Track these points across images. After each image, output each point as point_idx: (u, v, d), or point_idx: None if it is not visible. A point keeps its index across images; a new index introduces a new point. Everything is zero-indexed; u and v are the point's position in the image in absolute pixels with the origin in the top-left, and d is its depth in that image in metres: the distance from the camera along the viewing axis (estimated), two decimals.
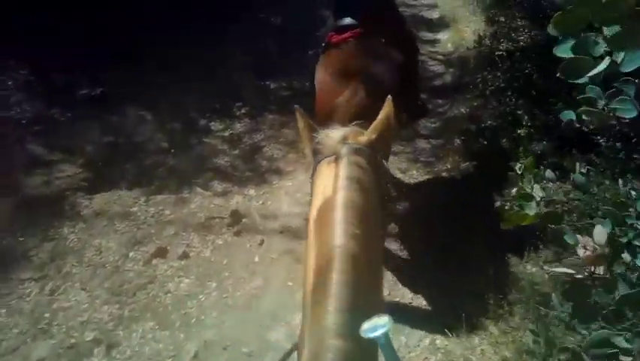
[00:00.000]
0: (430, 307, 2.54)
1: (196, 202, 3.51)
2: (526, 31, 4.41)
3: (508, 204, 2.40)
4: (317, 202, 1.21)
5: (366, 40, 2.39)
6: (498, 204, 3.16)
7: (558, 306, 2.16)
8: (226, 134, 4.49)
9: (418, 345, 2.34)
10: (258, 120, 4.62)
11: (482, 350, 2.22)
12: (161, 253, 3.02)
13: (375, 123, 1.40)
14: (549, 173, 1.02)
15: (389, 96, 1.51)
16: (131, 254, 3.01)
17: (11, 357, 2.35)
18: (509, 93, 3.81)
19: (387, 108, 1.45)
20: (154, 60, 4.93)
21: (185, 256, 3.00)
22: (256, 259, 2.97)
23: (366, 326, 0.84)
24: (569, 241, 1.01)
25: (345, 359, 0.86)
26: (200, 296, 2.73)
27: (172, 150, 4.19)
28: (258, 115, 4.69)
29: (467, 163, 3.69)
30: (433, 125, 4.54)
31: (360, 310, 0.93)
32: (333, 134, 1.35)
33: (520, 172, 1.00)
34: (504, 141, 3.52)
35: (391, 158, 4.02)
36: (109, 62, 4.72)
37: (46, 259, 2.99)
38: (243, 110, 4.76)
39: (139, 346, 2.43)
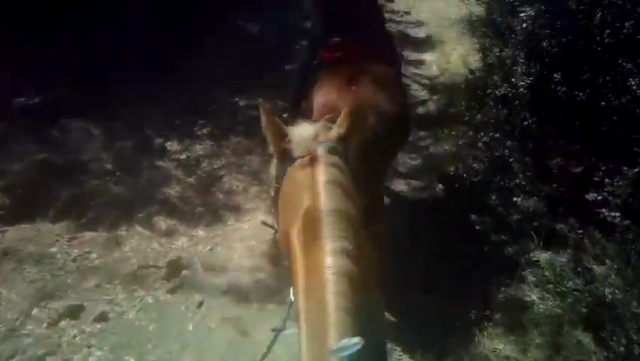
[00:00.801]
0: None
1: (131, 244, 2.90)
2: (520, 67, 3.94)
3: None
4: (294, 214, 1.06)
5: (362, 58, 2.30)
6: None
7: None
8: (182, 156, 3.89)
9: None
10: (220, 143, 4.03)
11: None
12: (74, 312, 2.40)
13: (341, 117, 1.25)
14: None
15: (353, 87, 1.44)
16: (34, 312, 2.39)
17: None
18: (500, 138, 3.32)
19: (350, 104, 1.30)
20: (113, 68, 4.32)
21: (103, 317, 2.40)
22: (190, 327, 2.38)
23: (335, 346, 0.83)
24: None
25: None
26: None
27: (117, 174, 3.57)
28: (222, 137, 4.10)
29: (447, 214, 3.14)
30: (413, 163, 4.02)
31: (363, 333, 0.86)
32: (305, 132, 1.21)
33: None
34: (493, 197, 3.00)
35: None
36: (58, 67, 4.10)
37: None
38: (204, 130, 4.16)
39: None
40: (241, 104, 4.63)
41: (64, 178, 3.38)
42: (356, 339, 0.82)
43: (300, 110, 2.75)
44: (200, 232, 3.07)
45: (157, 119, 4.24)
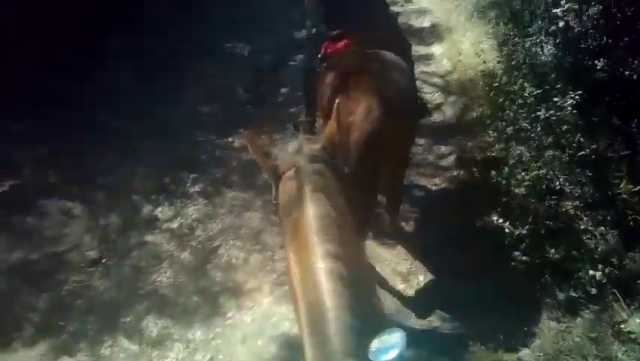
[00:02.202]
0: None
1: None
2: (548, 54, 3.16)
3: None
4: (288, 226, 1.10)
5: (364, 47, 2.22)
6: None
7: None
8: (174, 225, 3.29)
9: None
10: (214, 201, 3.43)
11: None
12: None
13: (325, 129, 1.29)
14: None
15: (336, 101, 1.33)
16: None
17: None
18: (537, 147, 2.58)
19: (334, 113, 1.28)
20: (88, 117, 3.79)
21: None
22: None
23: (375, 345, 0.83)
24: None
25: None
26: None
27: (103, 261, 3.04)
28: (216, 193, 3.48)
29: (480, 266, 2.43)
30: (434, 189, 3.31)
31: (360, 326, 0.89)
32: (288, 147, 1.27)
33: None
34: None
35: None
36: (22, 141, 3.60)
37: None
38: (197, 187, 3.55)
39: None
40: (236, 145, 4.00)
41: (40, 281, 2.87)
42: (397, 334, 0.82)
43: (315, 114, 2.89)
44: (198, 333, 2.49)
45: (142, 179, 3.67)
